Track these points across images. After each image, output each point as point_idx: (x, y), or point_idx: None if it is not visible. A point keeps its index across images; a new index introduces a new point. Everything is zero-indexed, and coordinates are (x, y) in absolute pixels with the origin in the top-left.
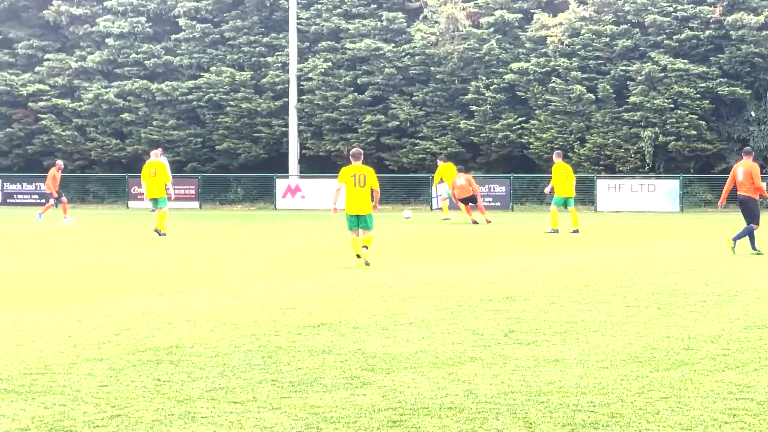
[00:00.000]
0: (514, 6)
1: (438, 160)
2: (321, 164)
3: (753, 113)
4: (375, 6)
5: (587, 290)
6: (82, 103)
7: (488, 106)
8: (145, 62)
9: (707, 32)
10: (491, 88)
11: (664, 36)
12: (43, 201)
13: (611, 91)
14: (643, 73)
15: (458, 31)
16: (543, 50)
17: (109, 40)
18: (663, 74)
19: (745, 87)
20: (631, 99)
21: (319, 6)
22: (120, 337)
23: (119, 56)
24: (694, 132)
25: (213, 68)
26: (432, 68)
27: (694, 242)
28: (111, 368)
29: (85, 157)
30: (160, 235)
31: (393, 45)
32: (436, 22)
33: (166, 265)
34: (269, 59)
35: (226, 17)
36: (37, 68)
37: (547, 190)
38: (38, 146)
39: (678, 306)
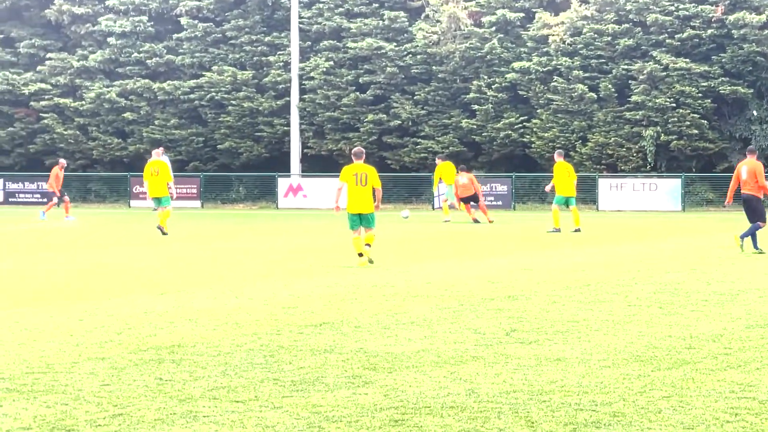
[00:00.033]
0: (516, 5)
1: (437, 159)
2: (323, 163)
3: (755, 112)
4: (377, 5)
5: (589, 289)
6: (83, 102)
7: (490, 105)
8: (147, 61)
9: (709, 31)
10: (493, 87)
11: (666, 35)
12: (45, 200)
13: (613, 90)
14: (644, 72)
15: (460, 30)
16: (545, 49)
17: (111, 40)
18: (665, 73)
19: (747, 86)
20: (633, 98)
21: (321, 5)
22: (122, 336)
23: (121, 55)
24: (695, 131)
25: (215, 67)
26: (434, 67)
27: (695, 241)
28: (113, 367)
29: (86, 156)
30: (162, 232)
31: (395, 44)
32: (437, 21)
33: (167, 265)
34: (271, 58)
35: (228, 16)
36: (39, 67)
37: (547, 188)
38: (40, 145)
39: (680, 305)
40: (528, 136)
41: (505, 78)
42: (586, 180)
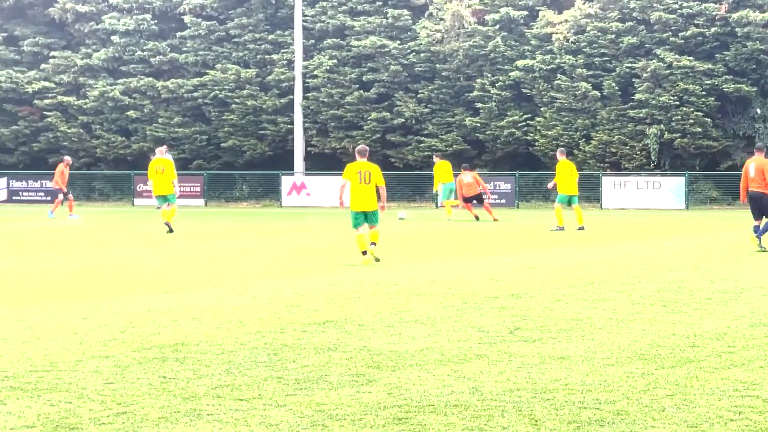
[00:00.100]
0: (520, 3)
1: (434, 158)
2: (326, 161)
3: (759, 110)
4: (380, 3)
5: (593, 287)
6: (87, 100)
7: (493, 104)
8: (151, 60)
9: (713, 29)
10: (497, 85)
11: (670, 33)
12: (49, 198)
13: (617, 88)
14: (648, 70)
15: (463, 28)
16: (548, 47)
17: (115, 38)
18: (668, 71)
19: (751, 84)
20: (637, 96)
21: (325, 3)
22: (126, 335)
23: (125, 54)
24: (699, 129)
25: (218, 65)
26: (437, 65)
27: (699, 240)
28: (117, 365)
29: (90, 154)
30: (170, 229)
31: (398, 42)
32: (441, 19)
33: (171, 263)
34: (275, 56)
35: (232, 14)
36: (43, 66)
37: (550, 185)
38: (44, 144)
39: (683, 303)
40: (531, 135)
41: (509, 76)
42: (590, 178)
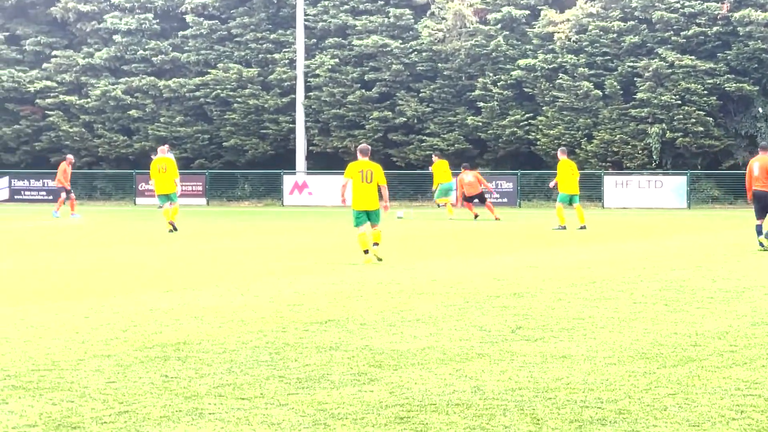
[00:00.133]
0: (522, 2)
1: (433, 157)
2: (328, 161)
3: (760, 109)
4: (382, 2)
5: (594, 287)
6: (89, 99)
7: (495, 103)
8: (153, 59)
9: (714, 28)
10: (498, 84)
11: (672, 32)
12: (51, 198)
13: (618, 87)
14: (650, 69)
15: (465, 27)
16: (550, 46)
17: (117, 37)
18: (670, 70)
19: (753, 83)
20: (639, 95)
21: (326, 2)
22: (127, 334)
23: (126, 53)
24: (701, 128)
25: (220, 65)
26: (439, 65)
27: (701, 239)
28: (118, 365)
29: (92, 153)
30: (174, 228)
31: (400, 41)
32: (443, 18)
33: (173, 262)
34: (276, 56)
35: (234, 14)
36: (45, 65)
37: (551, 185)
38: (46, 143)
39: (685, 302)
40: (533, 134)
41: (511, 75)
42: (592, 177)
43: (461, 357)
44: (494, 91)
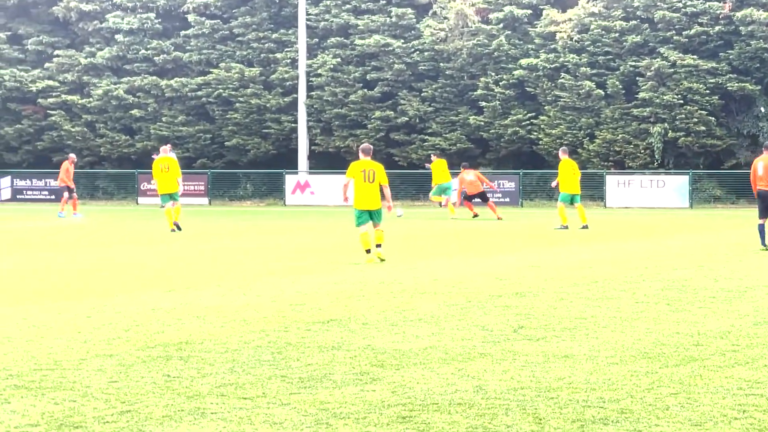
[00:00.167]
0: (524, 2)
1: (432, 156)
2: (330, 160)
3: (762, 109)
4: (384, 2)
5: (596, 286)
6: (91, 99)
7: (497, 102)
8: (155, 58)
9: (717, 28)
10: (500, 84)
11: (674, 32)
12: (53, 197)
13: (620, 86)
14: (652, 68)
15: (467, 27)
16: (552, 46)
17: (119, 37)
18: (672, 70)
19: (755, 83)
20: (641, 95)
21: (328, 2)
22: (130, 333)
23: (128, 52)
24: (703, 128)
25: (222, 64)
26: (441, 64)
27: (703, 238)
28: (121, 364)
29: (94, 153)
30: (178, 228)
31: (402, 41)
32: (445, 18)
33: (175, 262)
34: (278, 55)
35: (236, 13)
36: (47, 64)
37: (553, 184)
38: (48, 142)
39: (687, 302)
40: (535, 133)
41: (513, 75)
42: (594, 177)
43: (463, 356)
44: (496, 90)
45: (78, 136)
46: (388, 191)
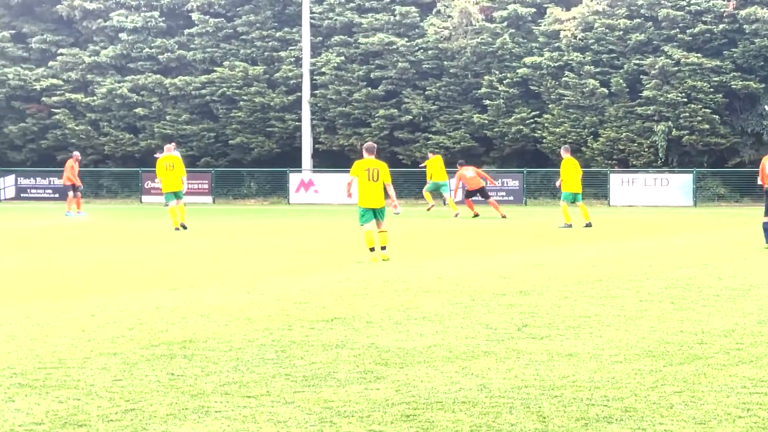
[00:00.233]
0: (527, 0)
1: (429, 153)
2: (334, 159)
3: (766, 107)
4: (388, 0)
5: (600, 285)
6: (95, 97)
7: (501, 101)
8: (159, 57)
9: (721, 26)
10: (504, 82)
11: (678, 30)
12: (57, 196)
13: (624, 85)
14: (656, 67)
15: (471, 25)
16: (556, 44)
17: (123, 35)
18: (676, 68)
19: (759, 81)
20: (645, 93)
21: (332, 0)
22: (134, 332)
23: (132, 51)
24: (707, 126)
25: (226, 63)
26: (445, 62)
27: (707, 237)
28: (125, 362)
29: (98, 151)
30: (184, 227)
31: (406, 39)
32: (449, 16)
33: (178, 260)
34: (282, 54)
35: (239, 12)
36: (51, 63)
37: (557, 184)
38: (52, 141)
39: (691, 300)
40: (539, 132)
41: (517, 73)
42: (598, 175)
43: (467, 355)
44: (500, 89)
45: (82, 134)
46: (392, 190)
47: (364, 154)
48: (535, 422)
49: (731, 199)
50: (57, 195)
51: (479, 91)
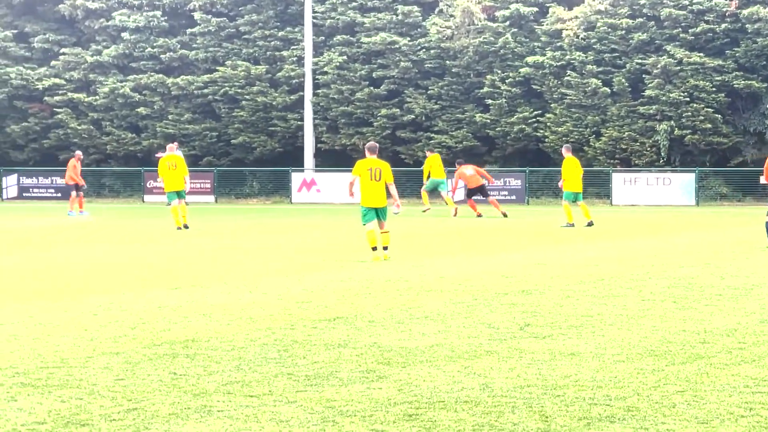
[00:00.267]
0: None
1: (427, 152)
2: (336, 158)
3: None
4: (390, 0)
5: (603, 284)
6: (97, 97)
7: (503, 100)
8: (161, 56)
9: (723, 25)
10: (507, 81)
11: (680, 29)
12: (59, 195)
13: (627, 84)
14: (658, 66)
15: (473, 24)
16: (558, 44)
17: (125, 34)
18: (679, 68)
19: (761, 80)
20: (647, 92)
21: (335, 0)
22: (136, 331)
23: (135, 50)
24: (709, 125)
25: (228, 62)
26: (447, 62)
27: (709, 236)
28: (127, 362)
29: (100, 151)
30: (186, 226)
31: (408, 39)
32: (451, 15)
33: (181, 259)
34: (284, 53)
35: (242, 11)
36: (53, 62)
37: (560, 184)
38: (54, 140)
39: (694, 299)
40: (542, 131)
41: (519, 72)
42: (600, 175)
43: (469, 354)
44: (502, 88)
45: (84, 134)
46: (394, 189)
47: (367, 153)
48: (538, 422)
49: (733, 199)
50: (59, 194)
51: (481, 91)
